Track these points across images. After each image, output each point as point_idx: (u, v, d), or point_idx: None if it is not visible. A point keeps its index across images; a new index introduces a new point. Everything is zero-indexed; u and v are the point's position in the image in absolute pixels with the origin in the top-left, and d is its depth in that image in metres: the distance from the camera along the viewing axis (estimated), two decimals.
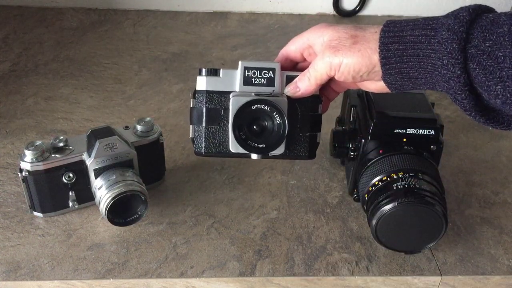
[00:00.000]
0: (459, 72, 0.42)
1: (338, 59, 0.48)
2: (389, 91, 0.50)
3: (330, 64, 0.49)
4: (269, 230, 0.64)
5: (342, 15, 1.19)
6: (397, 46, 0.46)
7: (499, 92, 0.41)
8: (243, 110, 0.52)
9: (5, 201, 0.66)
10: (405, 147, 0.61)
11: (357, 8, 1.18)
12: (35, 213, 0.63)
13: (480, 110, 0.44)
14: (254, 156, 0.54)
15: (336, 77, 0.49)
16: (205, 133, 0.55)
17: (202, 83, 0.54)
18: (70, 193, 0.62)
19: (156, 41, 1.05)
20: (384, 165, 0.59)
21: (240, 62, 0.53)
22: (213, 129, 0.55)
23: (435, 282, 0.60)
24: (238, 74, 0.53)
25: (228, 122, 0.53)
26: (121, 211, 0.60)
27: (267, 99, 0.52)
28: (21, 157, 0.59)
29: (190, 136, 0.55)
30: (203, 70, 0.54)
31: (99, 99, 0.87)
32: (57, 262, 0.58)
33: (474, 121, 0.45)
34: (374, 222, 0.57)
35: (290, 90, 0.52)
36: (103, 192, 0.59)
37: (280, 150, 0.54)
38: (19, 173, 0.59)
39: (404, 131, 0.61)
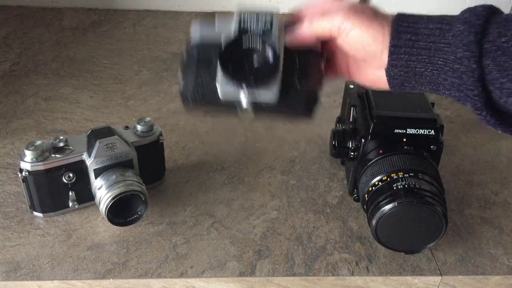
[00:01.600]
0: (474, 65, 0.41)
1: (349, 25, 0.45)
2: (386, 87, 0.48)
3: (340, 23, 0.46)
4: (269, 230, 0.64)
5: None
6: (409, 36, 0.45)
7: None
8: (232, 44, 0.48)
9: (5, 201, 0.66)
10: (405, 147, 0.61)
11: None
12: (35, 213, 0.63)
13: (491, 109, 0.43)
14: (244, 103, 0.49)
15: (340, 41, 0.47)
16: (194, 80, 0.50)
17: (196, 29, 0.48)
18: (70, 193, 0.62)
19: (156, 41, 1.05)
20: (384, 165, 0.59)
21: (236, 10, 0.48)
22: (202, 75, 0.50)
23: (435, 282, 0.60)
24: (233, 21, 0.48)
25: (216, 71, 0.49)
26: (121, 211, 0.60)
27: (261, 37, 0.48)
28: (21, 157, 0.59)
29: (179, 89, 0.50)
30: (199, 18, 0.50)
31: (99, 99, 0.87)
32: (57, 262, 0.58)
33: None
34: (374, 222, 0.57)
35: (289, 37, 0.49)
36: (103, 192, 0.59)
37: (272, 95, 0.49)
38: (19, 173, 0.59)
39: (404, 131, 0.61)
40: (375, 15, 0.47)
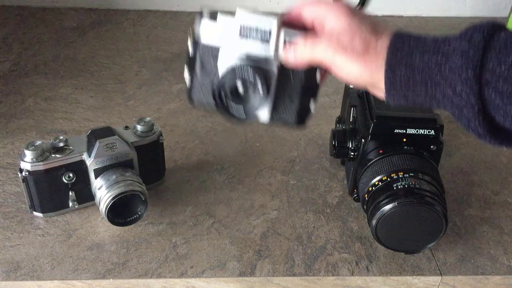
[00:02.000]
0: (474, 100, 0.40)
1: (340, 61, 0.46)
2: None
3: (332, 59, 0.46)
4: (269, 230, 0.64)
5: None
6: (404, 70, 0.43)
7: None
8: (227, 77, 0.50)
9: (5, 201, 0.66)
10: (405, 147, 0.61)
11: (357, 8, 1.18)
12: (35, 213, 0.63)
13: (495, 133, 0.42)
14: (241, 117, 0.52)
15: (334, 72, 0.47)
16: (198, 80, 0.53)
17: (199, 27, 0.51)
18: (70, 193, 0.62)
19: (156, 41, 1.05)
20: (384, 165, 0.59)
21: (238, 10, 0.49)
22: (204, 77, 0.53)
23: (435, 282, 0.60)
24: (235, 23, 0.49)
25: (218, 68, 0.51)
26: (121, 211, 0.60)
27: (254, 73, 0.49)
28: (21, 157, 0.59)
29: (187, 85, 0.53)
30: (204, 11, 0.51)
31: (99, 99, 0.87)
32: (57, 262, 0.58)
33: None
34: (374, 222, 0.57)
35: (285, 54, 0.49)
36: (103, 192, 0.59)
37: (264, 118, 0.51)
38: (19, 173, 0.59)
39: (404, 131, 0.61)
40: (369, 42, 0.45)
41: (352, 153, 0.64)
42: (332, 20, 0.47)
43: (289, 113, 0.55)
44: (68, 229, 0.62)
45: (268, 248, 0.62)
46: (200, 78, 0.54)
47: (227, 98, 0.52)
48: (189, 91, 0.54)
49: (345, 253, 0.61)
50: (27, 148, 0.58)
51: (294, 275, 0.59)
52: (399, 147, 0.61)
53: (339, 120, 0.74)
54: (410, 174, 0.58)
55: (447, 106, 0.43)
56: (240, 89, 0.52)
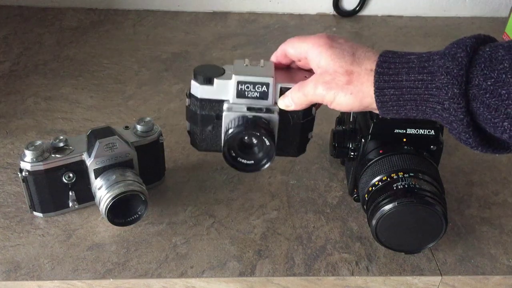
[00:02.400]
0: (462, 116, 0.41)
1: (330, 96, 0.48)
2: None
3: (323, 98, 0.49)
4: (269, 230, 0.64)
5: (342, 15, 1.18)
6: (393, 91, 0.45)
7: (506, 127, 0.40)
8: (234, 137, 0.53)
9: (5, 201, 0.66)
10: (405, 147, 0.61)
11: (357, 8, 1.18)
12: (35, 213, 0.63)
13: (486, 142, 0.43)
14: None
15: (329, 106, 0.51)
16: (200, 132, 0.56)
17: (196, 89, 0.54)
18: (70, 193, 0.62)
19: (156, 41, 1.05)
20: (384, 165, 0.59)
21: (233, 76, 0.52)
22: (207, 131, 0.56)
23: (435, 282, 0.60)
24: (231, 87, 0.53)
25: (221, 127, 0.55)
26: (121, 211, 0.60)
27: (258, 133, 0.53)
28: (21, 157, 0.59)
29: (187, 129, 0.56)
30: (198, 77, 0.54)
31: (99, 99, 0.87)
32: (57, 262, 0.58)
33: None
34: (374, 222, 0.57)
35: (283, 104, 0.53)
36: (103, 192, 0.59)
37: (268, 163, 0.55)
38: (19, 173, 0.59)
39: (404, 131, 0.61)
40: (351, 73, 0.47)
41: (352, 153, 0.64)
42: (314, 57, 0.50)
43: (291, 148, 0.58)
44: (68, 229, 0.62)
45: (268, 248, 0.62)
46: (202, 130, 0.57)
47: (237, 154, 0.55)
48: (192, 140, 0.58)
49: (345, 253, 0.61)
50: (27, 148, 0.58)
51: (294, 275, 0.59)
52: (399, 147, 0.61)
53: (339, 120, 0.74)
54: (410, 174, 0.58)
55: (438, 119, 0.45)
56: (247, 142, 0.55)
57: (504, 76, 0.39)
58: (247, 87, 0.53)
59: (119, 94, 0.88)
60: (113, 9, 1.16)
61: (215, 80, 0.53)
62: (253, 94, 0.53)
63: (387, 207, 0.56)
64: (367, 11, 1.20)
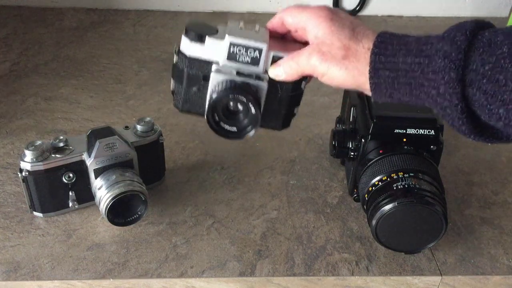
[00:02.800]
0: (456, 101, 0.41)
1: (323, 68, 0.47)
2: None
3: (314, 69, 0.47)
4: (269, 230, 0.64)
5: None
6: (388, 73, 0.44)
7: (501, 115, 0.39)
8: (219, 100, 0.51)
9: (5, 201, 0.66)
10: (405, 147, 0.61)
11: (357, 8, 1.18)
12: (35, 213, 0.63)
13: (479, 130, 0.43)
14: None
15: (321, 80, 0.49)
16: (184, 93, 0.54)
17: (185, 46, 0.51)
18: (70, 193, 0.62)
19: (156, 41, 1.05)
20: (384, 165, 0.59)
21: (226, 37, 0.50)
22: (192, 91, 0.54)
23: (435, 282, 0.60)
24: (223, 47, 0.51)
25: (207, 89, 0.52)
26: (121, 211, 0.60)
27: (245, 98, 0.50)
28: (21, 157, 0.59)
29: (171, 89, 0.54)
30: (190, 33, 0.51)
31: (99, 99, 0.87)
32: (57, 262, 0.58)
33: None
34: (374, 222, 0.57)
35: (273, 73, 0.51)
36: (103, 192, 0.59)
37: (252, 133, 0.53)
38: (19, 173, 0.59)
39: (404, 131, 0.61)
40: (348, 48, 0.46)
41: (352, 153, 0.64)
42: (312, 28, 0.48)
43: (276, 121, 0.56)
44: (68, 229, 0.62)
45: (268, 248, 0.62)
46: (187, 90, 0.54)
47: (220, 119, 0.52)
48: (176, 100, 0.55)
49: (345, 253, 0.61)
50: (27, 148, 0.58)
51: (294, 275, 0.59)
52: (399, 147, 0.61)
53: (339, 120, 0.74)
54: (410, 174, 0.58)
55: (432, 105, 0.44)
56: (232, 108, 0.53)
57: (502, 61, 0.38)
58: (239, 50, 0.51)
59: (119, 94, 0.88)
60: (113, 9, 1.16)
61: (207, 38, 0.51)
62: (244, 58, 0.51)
63: (387, 207, 0.56)
64: (367, 11, 1.20)
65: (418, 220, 0.56)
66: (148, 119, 0.65)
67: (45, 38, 1.04)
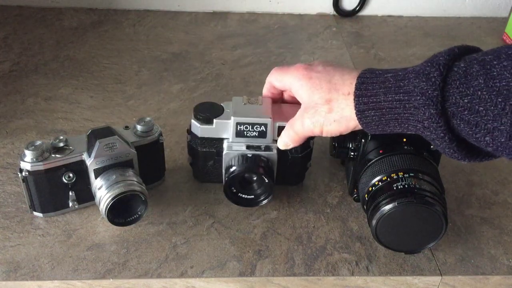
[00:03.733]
0: (442, 134, 0.42)
1: (318, 128, 0.51)
2: None
3: (311, 130, 0.51)
4: (269, 230, 0.64)
5: (342, 15, 1.19)
6: (373, 112, 0.46)
7: (488, 141, 0.40)
8: (234, 177, 0.56)
9: (5, 201, 0.66)
10: (405, 147, 0.61)
11: (357, 8, 1.18)
12: (35, 213, 0.63)
13: (473, 154, 0.43)
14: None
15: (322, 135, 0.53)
16: (201, 166, 0.60)
17: (196, 128, 0.56)
18: (70, 193, 0.62)
19: (156, 41, 1.05)
20: (384, 165, 0.59)
21: (232, 118, 0.55)
22: (208, 165, 0.59)
23: (435, 282, 0.60)
24: (231, 127, 0.55)
25: (221, 163, 0.58)
26: (121, 211, 0.60)
27: (257, 172, 0.55)
28: (21, 157, 0.59)
29: (188, 161, 0.59)
30: (198, 117, 0.57)
31: (99, 99, 0.87)
32: (57, 262, 0.58)
33: None
34: (374, 222, 0.57)
35: (282, 145, 0.56)
36: (103, 192, 0.59)
37: (267, 200, 0.59)
38: (19, 173, 0.59)
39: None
40: (330, 101, 0.49)
41: (352, 153, 0.64)
42: (296, 90, 0.53)
43: (291, 178, 0.62)
44: (68, 229, 0.62)
45: (268, 248, 0.62)
46: (204, 164, 0.60)
47: (238, 190, 0.58)
48: (195, 170, 0.62)
49: (345, 253, 0.61)
50: (27, 148, 0.58)
51: (294, 275, 0.59)
52: (399, 147, 0.61)
53: None
54: (410, 174, 0.58)
55: (422, 135, 0.45)
56: (248, 180, 0.58)
57: (479, 93, 0.39)
58: (246, 127, 0.56)
59: (119, 94, 0.88)
60: (113, 9, 1.16)
61: (215, 121, 0.56)
62: (251, 133, 0.56)
63: (387, 207, 0.56)
64: (367, 11, 1.20)
65: (418, 220, 0.56)
66: (148, 119, 0.64)
67: (45, 38, 1.04)
